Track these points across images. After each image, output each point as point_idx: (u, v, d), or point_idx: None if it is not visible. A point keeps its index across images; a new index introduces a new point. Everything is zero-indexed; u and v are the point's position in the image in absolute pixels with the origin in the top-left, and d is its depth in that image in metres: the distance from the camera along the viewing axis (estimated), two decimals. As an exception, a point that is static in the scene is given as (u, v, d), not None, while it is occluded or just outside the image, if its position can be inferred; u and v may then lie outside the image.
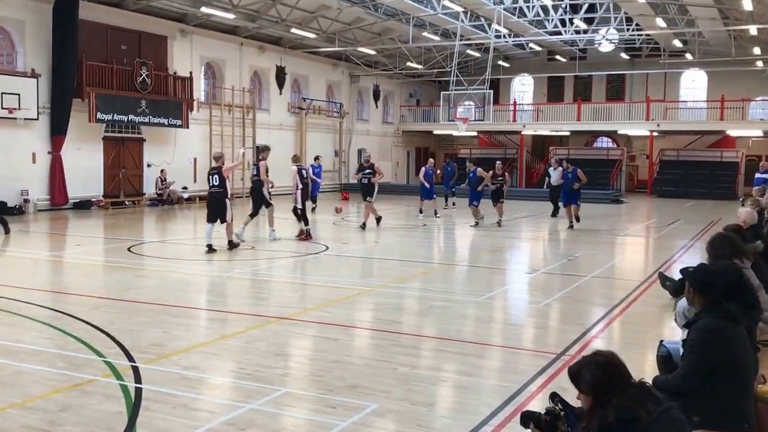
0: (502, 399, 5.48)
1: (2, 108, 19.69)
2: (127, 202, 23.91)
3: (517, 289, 10.88)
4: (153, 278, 10.99)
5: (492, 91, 31.57)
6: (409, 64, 35.38)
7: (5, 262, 12.60)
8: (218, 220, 13.25)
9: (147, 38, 24.42)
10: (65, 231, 17.81)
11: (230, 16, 25.47)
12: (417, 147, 42.39)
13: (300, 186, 15.34)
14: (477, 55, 35.45)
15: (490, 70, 30.43)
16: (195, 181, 25.74)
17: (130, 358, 6.36)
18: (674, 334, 7.56)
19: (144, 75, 23.62)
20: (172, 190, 24.86)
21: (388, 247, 14.96)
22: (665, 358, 4.68)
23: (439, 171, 22.91)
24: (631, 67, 38.04)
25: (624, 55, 37.22)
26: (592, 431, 2.94)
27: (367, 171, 17.43)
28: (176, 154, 25.49)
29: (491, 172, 18.68)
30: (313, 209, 22.04)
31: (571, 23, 30.22)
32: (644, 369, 5.86)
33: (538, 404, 5.32)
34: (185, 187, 25.59)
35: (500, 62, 37.35)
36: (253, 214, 15.03)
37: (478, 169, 19.13)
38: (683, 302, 4.98)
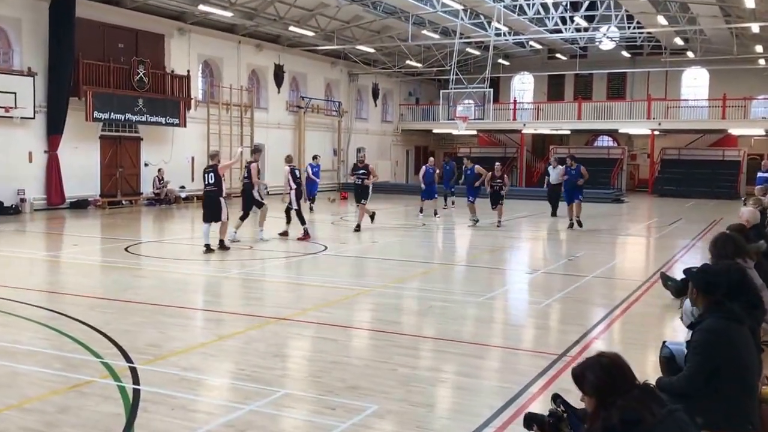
0: (502, 400, 5.48)
1: (-2, 107, 19.70)
2: (124, 202, 23.89)
3: (517, 290, 10.88)
4: (150, 278, 10.98)
5: (492, 90, 31.58)
6: (408, 62, 35.37)
7: (1, 261, 12.58)
8: (214, 220, 13.22)
9: (144, 36, 24.40)
10: (62, 231, 17.80)
11: (228, 14, 25.46)
12: (416, 146, 42.39)
13: (293, 186, 15.34)
14: (477, 53, 35.44)
15: (490, 68, 30.41)
16: (193, 180, 25.72)
17: (128, 359, 6.35)
18: (676, 335, 7.56)
19: (141, 73, 23.61)
20: (169, 189, 24.85)
21: (387, 247, 14.96)
22: (668, 359, 4.68)
23: (438, 170, 22.85)
24: (632, 66, 38.04)
25: (625, 53, 37.22)
26: None
27: (361, 172, 17.13)
28: (174, 153, 25.47)
29: (490, 173, 18.61)
30: (312, 209, 22.04)
31: (572, 21, 30.22)
32: (646, 370, 5.85)
33: (539, 406, 5.33)
34: (183, 187, 25.58)
35: (500, 60, 37.35)
36: (244, 217, 14.93)
37: (476, 166, 19.10)
38: (690, 302, 4.98)
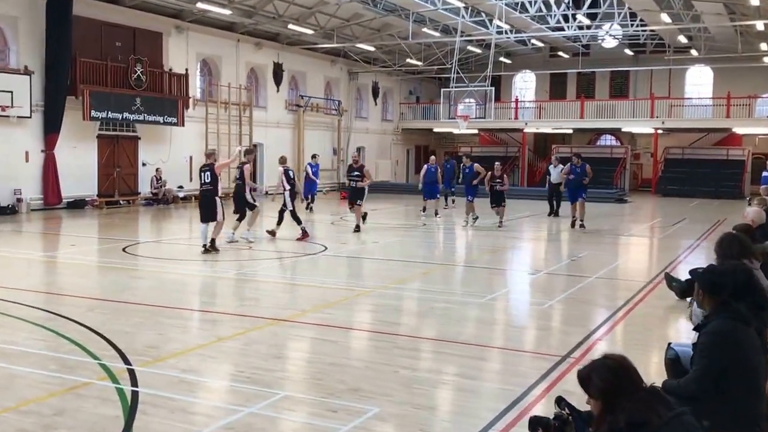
0: (505, 402, 5.48)
1: (-6, 106, 19.70)
2: (121, 202, 23.88)
3: (519, 291, 10.87)
4: (148, 279, 10.98)
5: (493, 88, 31.59)
6: (408, 60, 35.36)
7: (-2, 262, 12.58)
8: (210, 220, 13.16)
9: (142, 35, 24.39)
10: (59, 231, 17.80)
11: (226, 11, 25.45)
12: (417, 145, 42.38)
13: (287, 188, 15.36)
14: (478, 51, 35.43)
15: (492, 66, 30.43)
16: (191, 180, 25.70)
17: (126, 361, 6.35)
18: (680, 336, 7.56)
19: (139, 72, 23.60)
20: (167, 189, 24.85)
21: (387, 248, 14.95)
22: (673, 361, 4.68)
23: (440, 170, 22.80)
24: (635, 64, 38.03)
25: (628, 51, 37.21)
26: None
27: (355, 174, 16.95)
28: (171, 153, 25.46)
29: (489, 173, 18.52)
30: (311, 209, 22.04)
31: (574, 19, 30.19)
32: (649, 372, 5.84)
33: (542, 408, 5.32)
34: (181, 186, 25.57)
35: (502, 59, 37.34)
36: (240, 218, 14.91)
37: (475, 165, 19.01)
38: (696, 303, 4.98)
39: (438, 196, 21.53)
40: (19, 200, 20.72)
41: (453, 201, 24.79)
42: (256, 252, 13.88)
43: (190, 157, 26.14)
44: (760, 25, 26.50)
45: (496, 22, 28.37)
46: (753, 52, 31.57)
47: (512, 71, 40.54)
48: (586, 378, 3.03)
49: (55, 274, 11.86)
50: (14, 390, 5.63)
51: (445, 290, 10.31)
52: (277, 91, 31.04)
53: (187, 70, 25.64)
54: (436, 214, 21.03)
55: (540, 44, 36.95)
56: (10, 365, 6.24)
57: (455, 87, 30.76)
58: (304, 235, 15.16)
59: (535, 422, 3.28)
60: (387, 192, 32.43)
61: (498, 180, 18.44)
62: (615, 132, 39.68)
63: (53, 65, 21.03)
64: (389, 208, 25.00)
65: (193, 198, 24.27)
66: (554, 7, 29.28)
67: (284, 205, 15.43)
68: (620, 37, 33.96)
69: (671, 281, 9.69)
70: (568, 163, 19.03)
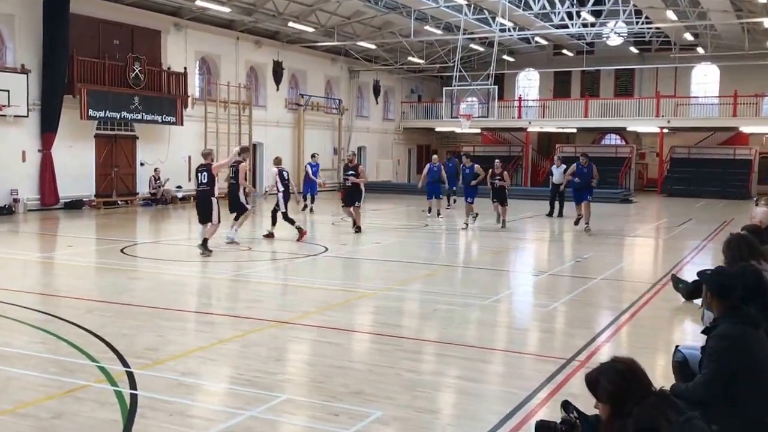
0: (509, 406, 5.47)
1: (-9, 104, 19.73)
2: (119, 202, 23.91)
3: (523, 292, 10.87)
4: (147, 280, 10.98)
5: (496, 87, 31.58)
6: (410, 58, 35.37)
7: (-6, 263, 12.59)
8: (207, 221, 13.08)
9: (140, 32, 24.42)
10: (56, 231, 17.82)
11: (226, 9, 25.46)
12: (418, 144, 42.38)
13: (281, 189, 15.35)
14: (481, 49, 35.43)
15: (495, 64, 30.41)
16: (189, 179, 25.65)
17: (125, 363, 6.35)
18: (686, 339, 7.56)
19: (137, 70, 23.62)
20: (166, 189, 24.86)
21: (389, 249, 14.95)
22: (681, 364, 4.67)
23: (443, 169, 22.77)
24: (640, 62, 38.01)
25: (633, 49, 37.21)
26: None
27: (350, 173, 16.84)
28: (170, 152, 25.48)
29: (491, 171, 18.47)
30: (311, 209, 22.04)
31: (579, 16, 30.18)
32: (655, 375, 5.84)
33: (548, 412, 5.31)
34: (179, 186, 25.58)
35: (505, 57, 37.33)
36: (237, 217, 14.84)
37: (476, 165, 18.86)
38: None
39: (441, 196, 21.50)
40: (15, 200, 20.75)
41: (454, 201, 24.78)
42: (255, 253, 13.89)
43: (189, 157, 26.15)
44: (767, 22, 26.47)
45: (499, 19, 28.37)
46: (760, 50, 31.55)
47: (515, 69, 40.52)
48: (594, 381, 3.02)
49: (52, 275, 11.87)
50: (11, 393, 5.63)
51: (447, 292, 10.30)
52: (277, 89, 31.06)
53: (185, 68, 25.66)
54: (439, 214, 21.03)
55: (544, 42, 36.93)
56: (7, 368, 6.24)
57: (457, 86, 30.75)
58: (302, 233, 15.16)
59: (543, 427, 3.28)
60: (388, 192, 32.47)
61: (498, 176, 18.36)
62: (620, 131, 39.67)
63: (50, 63, 21.06)
64: (391, 209, 24.99)
65: (192, 198, 24.26)
66: (558, 5, 29.25)
67: (277, 205, 15.44)
68: (625, 34, 33.98)
69: (678, 283, 9.69)
70: (575, 164, 18.60)
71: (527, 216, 22.20)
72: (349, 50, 34.05)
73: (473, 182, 18.63)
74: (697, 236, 17.49)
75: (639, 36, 34.46)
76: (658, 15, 28.65)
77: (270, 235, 15.37)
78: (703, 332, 4.33)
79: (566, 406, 3.31)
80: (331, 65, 34.46)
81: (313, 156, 23.37)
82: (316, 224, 19.11)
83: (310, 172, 22.69)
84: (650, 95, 36.47)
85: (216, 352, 6.93)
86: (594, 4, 29.58)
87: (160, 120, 24.54)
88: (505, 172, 18.72)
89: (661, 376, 5.60)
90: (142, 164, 24.82)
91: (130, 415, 5.18)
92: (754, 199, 23.41)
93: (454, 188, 25.11)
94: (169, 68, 25.18)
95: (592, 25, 31.51)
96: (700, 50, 34.41)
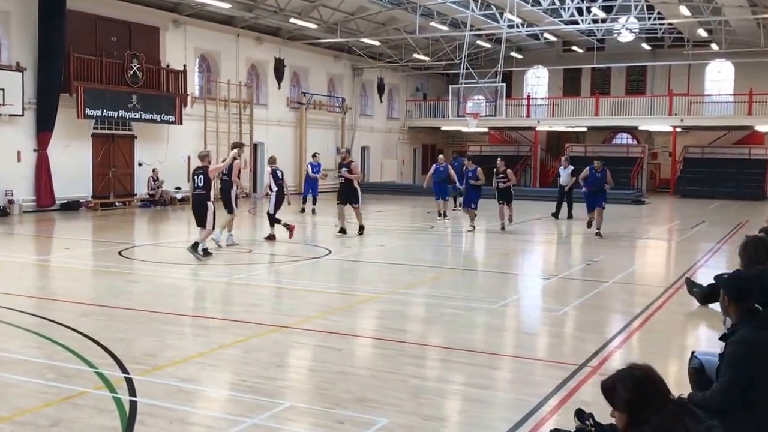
0: (519, 413, 5.46)
1: (-15, 103, 19.79)
2: (117, 203, 23.97)
3: (532, 296, 10.86)
4: (145, 283, 10.99)
5: (504, 85, 31.56)
6: (415, 55, 35.38)
7: (-11, 266, 12.63)
8: (202, 226, 12.99)
9: (138, 29, 24.48)
10: (52, 233, 17.87)
11: (226, 5, 25.50)
12: (423, 144, 42.40)
13: (274, 189, 15.36)
14: (488, 46, 35.43)
15: (502, 62, 30.39)
16: (188, 180, 25.75)
17: (123, 369, 6.36)
18: (700, 344, 7.54)
19: (135, 68, 23.68)
20: (164, 190, 24.90)
21: (393, 251, 14.95)
22: (697, 371, 4.66)
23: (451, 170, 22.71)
24: (652, 59, 37.97)
25: (645, 46, 37.15)
26: None
27: (343, 169, 16.71)
28: (169, 152, 25.53)
29: (495, 170, 18.29)
30: (313, 210, 22.06)
31: (589, 12, 30.16)
32: (668, 382, 5.77)
33: (558, 419, 5.31)
34: (178, 187, 25.62)
35: (513, 54, 37.34)
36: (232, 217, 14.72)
37: (478, 168, 18.53)
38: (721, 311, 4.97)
39: (447, 198, 21.47)
40: (10, 202, 20.81)
41: (461, 205, 24.74)
42: (256, 255, 13.91)
43: (188, 157, 26.19)
44: (783, 18, 26.44)
45: (507, 15, 28.36)
46: (776, 47, 31.47)
47: (524, 67, 40.51)
48: (610, 389, 3.02)
49: (48, 278, 11.89)
50: (9, 399, 5.65)
51: (453, 296, 10.29)
52: (279, 87, 31.10)
53: (185, 66, 25.72)
54: (445, 215, 21.02)
55: (553, 38, 36.92)
56: (4, 374, 6.25)
57: (464, 83, 30.74)
58: (290, 229, 15.17)
59: (558, 436, 3.27)
60: (393, 193, 32.49)
61: (502, 176, 18.07)
62: (631, 130, 39.62)
63: (46, 61, 21.13)
64: (395, 210, 25.01)
65: (191, 199, 24.30)
66: (568, 0, 29.25)
67: (275, 209, 15.46)
68: (637, 30, 33.94)
69: (692, 286, 9.68)
70: (588, 167, 17.99)
71: (535, 218, 22.18)
72: (353, 47, 34.08)
73: (472, 181, 18.23)
74: (711, 239, 17.46)
75: (651, 32, 34.43)
76: (671, 10, 28.62)
77: (271, 237, 15.39)
78: (721, 338, 4.33)
79: (580, 414, 3.30)
80: (334, 63, 34.49)
81: (314, 156, 23.37)
82: (319, 226, 19.13)
83: (310, 171, 22.70)
84: (663, 93, 36.42)
85: (216, 357, 6.93)
86: (605, 0, 29.55)
87: (158, 119, 24.60)
88: (509, 170, 18.40)
89: (675, 382, 5.58)
90: (140, 164, 24.87)
91: (129, 422, 5.19)
92: (770, 200, 23.37)
93: (460, 188, 25.07)
94: (167, 66, 25.23)
95: (603, 20, 31.49)
96: (714, 47, 34.34)
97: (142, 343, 7.31)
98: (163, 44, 25.45)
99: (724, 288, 4.40)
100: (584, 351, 7.29)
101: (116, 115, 23.31)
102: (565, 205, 21.53)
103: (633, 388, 2.96)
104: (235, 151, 14.14)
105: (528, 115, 38.15)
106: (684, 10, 27.54)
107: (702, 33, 32.93)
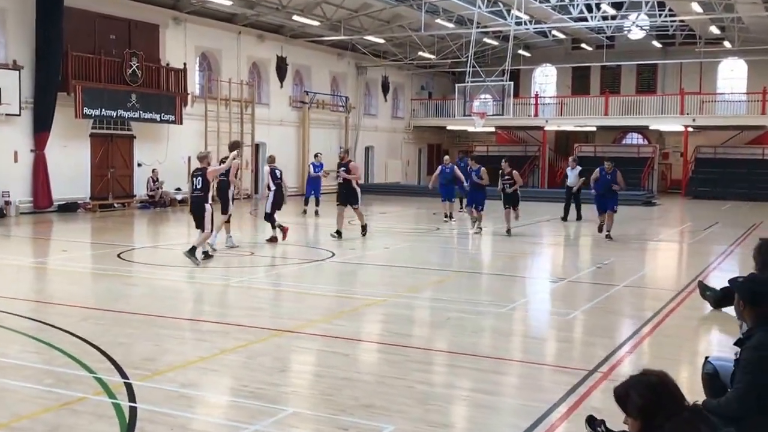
0: (528, 420, 5.45)
1: (-18, 103, 19.85)
2: (116, 205, 24.01)
3: (540, 300, 10.85)
4: (145, 287, 11.01)
5: (511, 83, 31.55)
6: (420, 53, 35.39)
7: (-15, 269, 12.66)
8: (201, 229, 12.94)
9: (137, 27, 24.53)
10: (50, 236, 17.91)
11: (227, 2, 25.56)
12: (429, 144, 42.40)
13: (272, 188, 15.38)
14: (495, 43, 35.42)
15: (510, 60, 30.38)
16: (188, 181, 25.79)
17: (123, 375, 6.37)
18: (713, 350, 7.52)
19: (134, 67, 23.72)
20: (164, 191, 24.94)
21: (398, 254, 14.95)
22: (711, 377, 4.66)
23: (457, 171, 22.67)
24: (663, 57, 37.92)
25: (656, 43, 37.11)
26: None
27: (342, 169, 16.66)
28: (169, 152, 25.56)
29: (500, 172, 18.10)
30: (316, 212, 22.08)
31: (598, 8, 30.12)
32: (680, 388, 5.80)
33: (569, 426, 5.30)
34: (178, 188, 25.66)
35: (520, 51, 37.32)
36: (229, 218, 14.68)
37: (482, 168, 18.23)
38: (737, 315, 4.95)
39: (453, 199, 21.46)
40: (7, 203, 20.84)
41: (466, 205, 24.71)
42: (258, 258, 13.92)
43: (189, 158, 26.11)
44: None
45: (514, 12, 28.35)
46: (790, 44, 31.43)
47: (532, 65, 40.49)
48: (623, 395, 3.01)
49: (45, 281, 11.91)
50: (6, 405, 5.66)
51: (460, 299, 10.29)
52: (281, 86, 31.13)
53: (185, 64, 25.76)
54: (451, 217, 21.01)
55: (561, 36, 36.90)
56: (1, 379, 6.26)
57: (471, 82, 30.73)
58: (283, 231, 15.22)
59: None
60: (397, 194, 32.49)
61: (507, 178, 17.60)
62: (642, 130, 39.56)
63: (44, 59, 21.18)
64: (400, 212, 25.03)
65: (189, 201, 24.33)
66: (576, -4, 29.24)
67: (265, 207, 15.49)
68: (647, 28, 33.88)
69: (705, 290, 9.66)
70: (598, 168, 17.68)
71: (544, 219, 22.16)
72: (357, 45, 34.10)
73: (474, 178, 18.07)
74: (724, 241, 17.42)
75: (662, 29, 34.35)
76: (683, 7, 28.57)
77: (273, 239, 15.40)
78: (736, 343, 4.32)
79: (592, 421, 3.30)
80: (337, 61, 34.52)
81: (316, 156, 23.40)
82: (321, 228, 19.13)
83: (312, 171, 22.71)
84: (674, 92, 36.36)
85: (218, 362, 6.94)
86: (614, -4, 29.54)
87: (158, 119, 24.64)
88: (515, 172, 17.92)
89: (687, 389, 5.55)
90: (139, 165, 24.91)
91: (129, 428, 5.20)
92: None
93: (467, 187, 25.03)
94: (167, 64, 25.28)
95: (613, 17, 31.46)
96: (727, 44, 34.29)
97: (141, 348, 7.32)
98: (163, 42, 25.49)
99: (738, 292, 4.39)
100: (594, 356, 7.28)
101: (115, 115, 23.35)
102: (573, 206, 21.48)
103: (647, 394, 2.95)
104: (235, 153, 14.11)
105: (536, 115, 38.14)
106: (696, 6, 27.49)
107: (714, 30, 32.89)
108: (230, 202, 14.38)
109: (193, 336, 8.31)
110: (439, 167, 21.48)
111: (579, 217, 21.31)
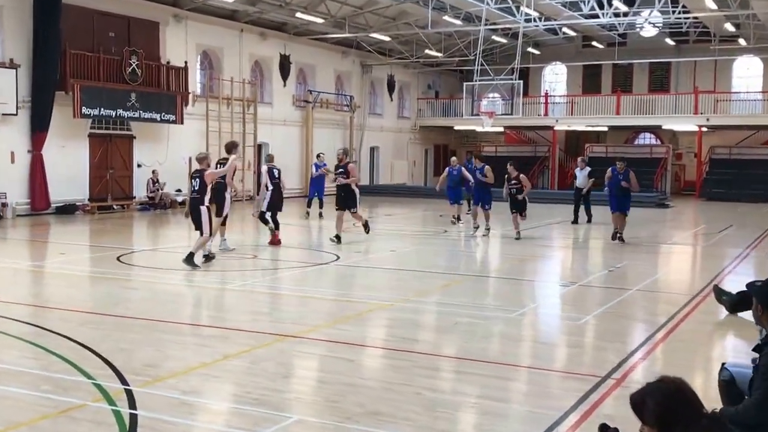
0: (539, 428, 5.45)
1: (-22, 102, 19.92)
2: (115, 207, 24.06)
3: (551, 304, 10.84)
4: (145, 291, 11.04)
5: (521, 82, 31.55)
6: (427, 51, 35.39)
7: (-18, 272, 12.69)
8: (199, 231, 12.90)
9: (137, 24, 24.59)
10: (47, 238, 17.95)
11: (229, -1, 25.63)
12: (436, 144, 42.40)
13: (270, 188, 15.39)
14: (504, 41, 35.40)
15: (519, 58, 30.37)
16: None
17: (123, 381, 6.38)
18: (729, 356, 7.49)
19: (134, 65, 23.77)
20: (164, 192, 24.97)
21: (405, 257, 14.96)
22: (728, 383, 4.64)
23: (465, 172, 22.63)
24: (677, 55, 37.85)
25: (669, 41, 37.05)
26: None
27: (340, 171, 16.56)
28: (169, 153, 25.60)
29: (506, 176, 17.93)
30: (320, 214, 22.07)
31: (610, 5, 30.06)
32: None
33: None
34: (179, 190, 25.64)
35: (530, 49, 37.28)
36: (223, 221, 14.64)
37: (486, 166, 18.03)
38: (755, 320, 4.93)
39: (461, 201, 21.42)
40: (4, 205, 20.91)
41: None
42: (261, 261, 13.93)
43: (189, 158, 26.14)
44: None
45: (523, 8, 28.35)
46: (808, 42, 31.36)
47: (541, 63, 40.47)
48: (639, 402, 3.00)
49: (43, 285, 11.95)
50: (3, 412, 5.67)
51: (468, 304, 10.27)
52: (284, 85, 31.17)
53: (186, 62, 25.81)
54: (459, 219, 21.00)
55: (572, 33, 36.84)
56: (-3, 385, 6.29)
57: (479, 81, 30.74)
58: (274, 236, 15.23)
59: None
60: (403, 196, 32.49)
61: (514, 183, 17.27)
62: (655, 130, 39.51)
63: (41, 58, 21.24)
64: (406, 214, 25.02)
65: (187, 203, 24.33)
66: (588, -7, 29.21)
67: (261, 207, 15.49)
68: (660, 25, 33.84)
69: (721, 294, 9.63)
70: (610, 168, 17.55)
71: (554, 221, 22.13)
72: (362, 43, 34.13)
73: (479, 175, 17.88)
74: (740, 244, 17.38)
75: (675, 27, 34.28)
76: (696, 4, 28.52)
77: (277, 242, 15.40)
78: (754, 349, 4.30)
79: (605, 429, 3.28)
80: (341, 59, 34.55)
81: (318, 156, 23.35)
82: (325, 231, 19.13)
83: (314, 171, 22.71)
84: (688, 91, 36.30)
85: (220, 368, 6.94)
86: (626, -7, 29.51)
87: (158, 118, 24.68)
88: (522, 176, 17.57)
89: (702, 396, 5.52)
90: (139, 166, 24.96)
91: (129, 435, 5.21)
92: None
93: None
94: (168, 63, 25.33)
95: (625, 14, 31.39)
96: (742, 42, 34.22)
97: (142, 354, 7.33)
98: (163, 40, 25.55)
99: (757, 296, 4.38)
100: (606, 362, 7.26)
101: (114, 114, 23.39)
102: (583, 208, 21.40)
103: (664, 401, 2.94)
104: (234, 156, 14.05)
105: (546, 114, 38.11)
106: (710, 3, 27.43)
107: (729, 27, 32.82)
108: (226, 205, 14.28)
109: (194, 341, 8.31)
110: (447, 169, 21.43)
111: (589, 219, 21.26)
